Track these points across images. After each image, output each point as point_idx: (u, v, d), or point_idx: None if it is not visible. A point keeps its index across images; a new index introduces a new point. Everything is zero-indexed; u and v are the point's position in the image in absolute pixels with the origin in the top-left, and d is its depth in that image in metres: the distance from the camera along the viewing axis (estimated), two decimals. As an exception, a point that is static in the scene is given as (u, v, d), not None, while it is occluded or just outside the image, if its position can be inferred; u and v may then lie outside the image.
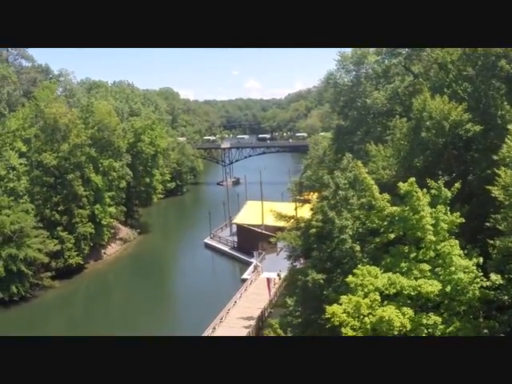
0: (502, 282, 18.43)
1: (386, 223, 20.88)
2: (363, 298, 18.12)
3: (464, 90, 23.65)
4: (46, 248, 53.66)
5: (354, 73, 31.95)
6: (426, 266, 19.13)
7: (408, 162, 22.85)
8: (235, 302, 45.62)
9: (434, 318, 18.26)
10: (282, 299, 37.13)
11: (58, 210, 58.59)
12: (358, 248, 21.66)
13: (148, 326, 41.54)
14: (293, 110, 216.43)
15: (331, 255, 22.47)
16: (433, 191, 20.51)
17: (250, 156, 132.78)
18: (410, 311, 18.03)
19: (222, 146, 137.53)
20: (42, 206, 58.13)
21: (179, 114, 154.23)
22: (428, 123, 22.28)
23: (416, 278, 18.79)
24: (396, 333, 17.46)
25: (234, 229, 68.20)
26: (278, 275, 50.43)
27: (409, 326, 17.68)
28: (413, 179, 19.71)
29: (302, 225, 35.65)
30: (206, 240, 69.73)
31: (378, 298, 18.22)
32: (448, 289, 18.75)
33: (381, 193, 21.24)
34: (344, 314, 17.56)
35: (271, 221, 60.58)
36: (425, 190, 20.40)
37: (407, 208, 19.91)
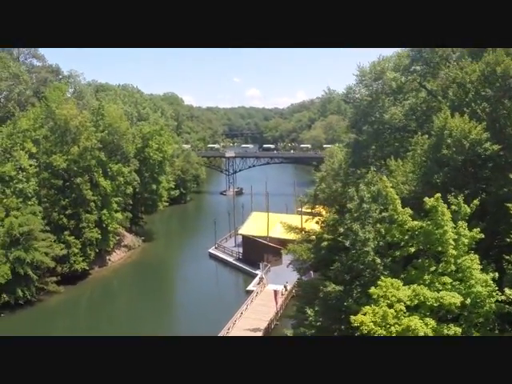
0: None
1: (406, 237, 21.40)
2: (389, 309, 18.59)
3: (482, 110, 24.28)
4: (53, 252, 52.99)
5: (372, 88, 32.49)
6: (447, 279, 19.75)
7: (427, 177, 23.36)
8: (241, 313, 45.46)
9: (454, 329, 18.81)
10: (293, 311, 37.17)
11: (66, 213, 57.85)
12: (378, 260, 22.10)
13: (151, 335, 41.21)
14: (296, 121, 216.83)
15: (351, 267, 22.92)
16: (453, 207, 21.06)
17: (253, 166, 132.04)
18: (432, 322, 18.62)
19: (227, 155, 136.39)
20: (50, 209, 57.29)
21: (184, 121, 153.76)
22: (449, 141, 22.84)
23: (438, 290, 19.35)
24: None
25: (239, 239, 68.04)
26: (285, 287, 50.61)
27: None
28: (438, 195, 20.26)
29: (313, 237, 35.97)
30: (210, 250, 69.42)
31: (404, 308, 18.72)
32: (468, 301, 19.36)
33: (402, 207, 21.75)
34: (371, 323, 18.03)
35: (276, 233, 60.91)
36: (445, 205, 20.93)
37: (430, 222, 20.39)
